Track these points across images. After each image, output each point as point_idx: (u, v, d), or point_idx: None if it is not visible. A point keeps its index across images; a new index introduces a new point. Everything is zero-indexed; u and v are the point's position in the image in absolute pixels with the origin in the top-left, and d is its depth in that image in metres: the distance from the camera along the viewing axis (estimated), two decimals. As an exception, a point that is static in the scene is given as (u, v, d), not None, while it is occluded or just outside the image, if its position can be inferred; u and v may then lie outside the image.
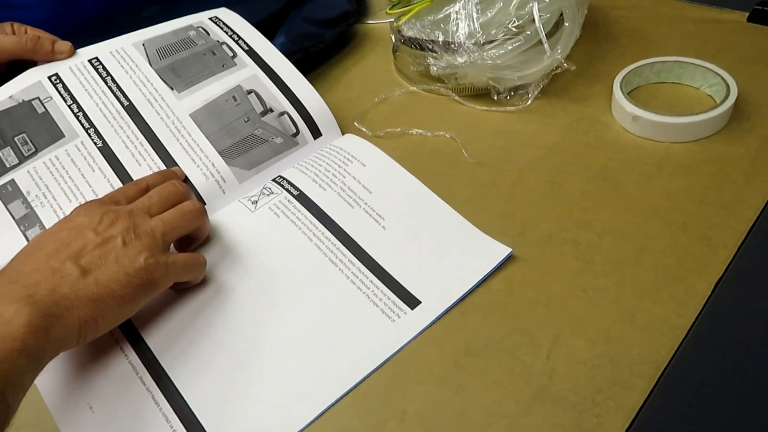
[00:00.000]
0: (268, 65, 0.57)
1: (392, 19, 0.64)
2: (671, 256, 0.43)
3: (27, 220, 0.48)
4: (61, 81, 0.53)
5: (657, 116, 0.50)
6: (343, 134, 0.57)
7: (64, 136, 0.51)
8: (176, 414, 0.38)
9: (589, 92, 0.58)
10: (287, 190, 0.50)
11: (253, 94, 0.55)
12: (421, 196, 0.49)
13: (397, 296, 0.43)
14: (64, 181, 0.49)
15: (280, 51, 0.62)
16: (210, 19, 0.60)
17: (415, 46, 0.60)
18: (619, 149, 0.52)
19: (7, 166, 0.49)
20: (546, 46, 0.55)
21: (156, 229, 0.41)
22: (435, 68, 0.58)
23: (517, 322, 0.41)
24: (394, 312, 0.42)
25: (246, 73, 0.56)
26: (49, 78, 0.53)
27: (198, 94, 0.54)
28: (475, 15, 0.55)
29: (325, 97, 0.57)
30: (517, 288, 0.43)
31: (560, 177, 0.50)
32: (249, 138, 0.53)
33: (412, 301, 0.42)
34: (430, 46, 0.58)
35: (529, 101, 0.57)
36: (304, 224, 0.47)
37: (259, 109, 0.55)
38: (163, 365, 0.40)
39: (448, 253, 0.45)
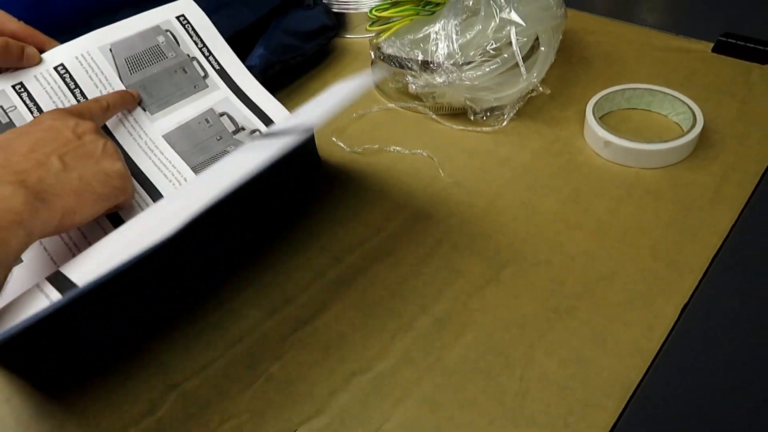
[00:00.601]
0: (239, 87, 0.57)
1: (371, 35, 0.64)
2: (640, 280, 0.44)
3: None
4: (26, 90, 0.51)
5: (627, 142, 0.52)
6: (318, 149, 0.57)
7: None
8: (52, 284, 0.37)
9: (563, 115, 0.60)
10: None
11: (225, 116, 0.55)
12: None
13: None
14: None
15: (260, 62, 0.62)
16: (177, 18, 0.58)
17: (394, 63, 0.60)
18: (591, 172, 0.53)
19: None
20: (522, 69, 0.56)
21: None
22: (413, 86, 0.59)
23: (491, 342, 0.41)
24: None
25: (218, 96, 0.56)
26: (13, 87, 0.51)
27: (171, 117, 0.54)
28: (454, 36, 0.56)
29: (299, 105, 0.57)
30: (491, 308, 0.43)
31: (534, 198, 0.51)
32: (221, 154, 0.53)
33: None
34: (409, 65, 0.59)
35: (505, 122, 0.59)
36: None
37: (231, 128, 0.55)
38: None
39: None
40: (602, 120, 0.56)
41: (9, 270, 0.36)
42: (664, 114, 0.58)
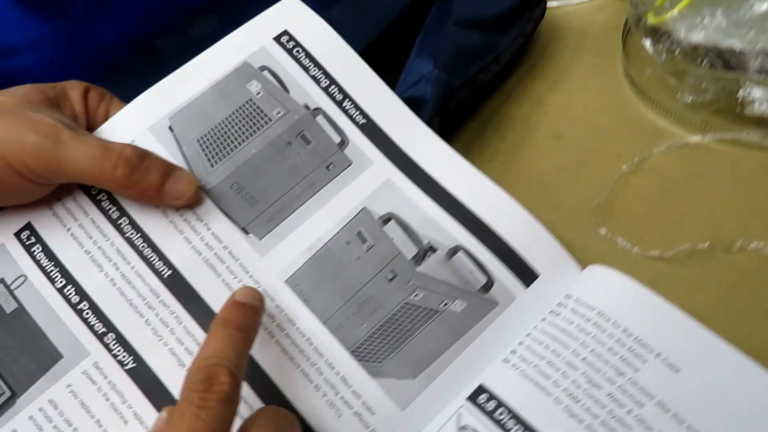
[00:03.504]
0: (404, 153, 0.30)
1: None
2: None
3: None
4: (39, 239, 0.28)
5: None
6: (581, 267, 0.28)
7: (61, 356, 0.27)
8: None
9: None
10: (501, 423, 0.23)
11: (392, 222, 0.28)
12: None
13: None
14: None
15: (431, 91, 0.35)
16: (278, 41, 0.32)
17: (705, 60, 0.30)
18: None
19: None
20: None
21: None
22: (757, 105, 0.29)
23: None
24: None
25: (373, 180, 0.29)
26: (18, 235, 0.28)
27: (293, 238, 0.28)
28: None
29: (512, 167, 0.30)
30: None
31: None
32: (402, 313, 0.27)
33: None
34: (744, 61, 0.28)
35: None
36: None
37: (411, 251, 0.28)
38: None
39: None
40: None
41: None
42: None
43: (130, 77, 0.42)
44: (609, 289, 0.25)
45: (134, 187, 0.27)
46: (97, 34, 0.48)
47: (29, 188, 0.27)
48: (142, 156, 0.27)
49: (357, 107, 0.31)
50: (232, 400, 0.21)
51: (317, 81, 0.31)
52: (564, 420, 0.22)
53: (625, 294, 0.25)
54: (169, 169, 0.28)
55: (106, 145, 0.26)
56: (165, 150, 0.29)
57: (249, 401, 0.26)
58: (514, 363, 0.24)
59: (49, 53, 0.47)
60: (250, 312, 0.24)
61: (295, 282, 0.27)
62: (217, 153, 0.29)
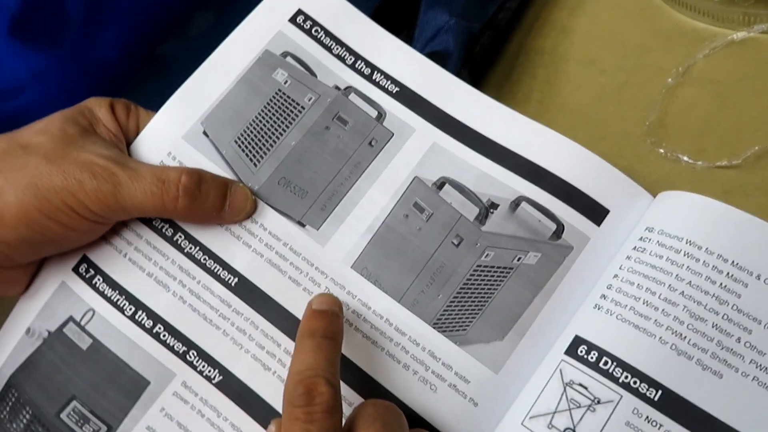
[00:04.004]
0: (443, 112, 0.29)
1: None
2: None
3: None
4: (98, 270, 0.28)
5: None
6: (651, 193, 0.27)
7: (148, 382, 0.27)
8: None
9: None
10: (609, 373, 0.23)
11: (448, 186, 0.28)
12: None
13: None
14: None
15: (453, 41, 0.34)
16: (294, 23, 0.31)
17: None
18: None
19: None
20: None
21: None
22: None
23: None
24: None
25: (418, 148, 0.28)
26: (76, 270, 0.28)
27: (351, 222, 0.28)
28: None
29: (549, 104, 0.29)
30: None
31: None
32: (476, 276, 0.26)
33: None
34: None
35: None
36: None
37: (472, 211, 0.27)
38: None
39: None
40: None
41: None
42: None
43: (140, 92, 0.41)
44: (692, 214, 0.24)
45: (196, 214, 0.27)
46: (97, 52, 0.46)
47: (94, 229, 0.27)
48: (199, 181, 0.26)
49: (388, 77, 0.30)
50: (335, 409, 0.21)
51: (342, 59, 0.30)
52: (673, 360, 0.21)
53: (710, 217, 0.23)
54: (225, 186, 0.27)
55: (162, 177, 0.26)
56: (204, 157, 0.28)
57: (343, 393, 0.25)
58: (608, 308, 0.23)
59: (55, 83, 0.46)
60: (331, 318, 0.24)
61: (361, 265, 0.27)
62: (257, 151, 0.28)
